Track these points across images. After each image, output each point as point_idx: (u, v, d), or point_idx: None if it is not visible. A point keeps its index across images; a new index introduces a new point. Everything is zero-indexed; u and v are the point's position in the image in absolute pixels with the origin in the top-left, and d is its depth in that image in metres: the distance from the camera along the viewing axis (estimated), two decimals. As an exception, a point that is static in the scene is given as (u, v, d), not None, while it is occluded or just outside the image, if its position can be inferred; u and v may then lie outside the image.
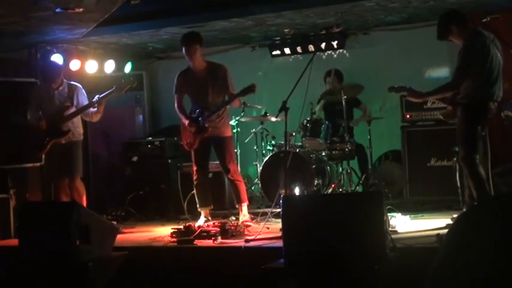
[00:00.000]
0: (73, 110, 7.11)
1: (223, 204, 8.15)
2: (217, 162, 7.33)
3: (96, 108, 7.13)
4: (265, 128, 8.43)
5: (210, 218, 6.98)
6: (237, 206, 7.06)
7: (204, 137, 6.81)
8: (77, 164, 7.16)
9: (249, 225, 6.44)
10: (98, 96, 7.05)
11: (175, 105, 7.00)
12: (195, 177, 7.03)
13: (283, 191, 6.10)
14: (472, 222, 3.05)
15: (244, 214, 6.89)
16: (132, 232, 7.13)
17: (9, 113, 7.71)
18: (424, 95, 6.18)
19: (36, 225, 5.63)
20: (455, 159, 6.72)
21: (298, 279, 4.62)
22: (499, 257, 2.82)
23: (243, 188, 6.99)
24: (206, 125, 6.77)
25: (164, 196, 8.53)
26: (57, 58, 8.13)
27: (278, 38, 9.29)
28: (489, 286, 2.81)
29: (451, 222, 5.83)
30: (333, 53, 9.31)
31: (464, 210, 5.99)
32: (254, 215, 7.06)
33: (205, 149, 6.97)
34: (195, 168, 7.01)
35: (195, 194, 7.05)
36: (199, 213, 7.07)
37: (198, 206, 7.04)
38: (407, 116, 7.64)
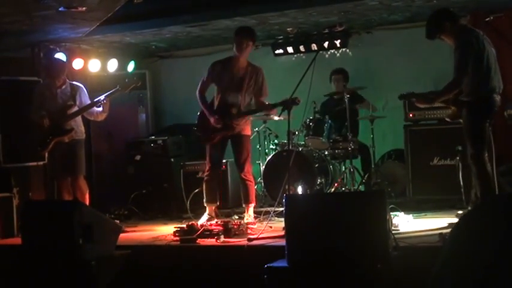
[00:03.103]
0: (76, 109, 7.12)
1: (227, 203, 8.15)
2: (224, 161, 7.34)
3: (101, 108, 7.15)
4: (268, 127, 8.42)
5: (214, 216, 6.95)
6: (243, 205, 7.05)
7: (225, 135, 6.81)
8: (80, 163, 7.18)
9: (252, 228, 6.42)
10: (103, 95, 7.06)
11: (199, 90, 6.89)
12: (207, 173, 6.97)
13: (286, 190, 6.10)
14: (476, 221, 3.04)
15: (250, 215, 6.88)
16: (135, 231, 7.13)
17: (12, 112, 7.73)
18: (431, 100, 6.15)
19: (39, 224, 5.63)
20: (458, 158, 6.72)
21: (301, 278, 4.62)
22: (504, 257, 2.81)
23: (253, 189, 6.97)
24: (234, 125, 6.78)
25: (167, 195, 8.53)
26: (60, 57, 8.14)
27: (281, 37, 9.28)
28: (493, 286, 2.80)
29: (455, 219, 5.83)
30: (335, 52, 9.29)
31: (469, 208, 5.99)
32: (257, 214, 7.04)
33: (222, 146, 6.94)
34: (209, 164, 6.94)
35: (204, 189, 6.99)
36: (203, 212, 7.06)
37: (204, 201, 6.99)
38: (411, 115, 7.64)
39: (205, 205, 7.04)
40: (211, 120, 6.80)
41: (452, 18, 5.95)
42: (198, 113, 7.04)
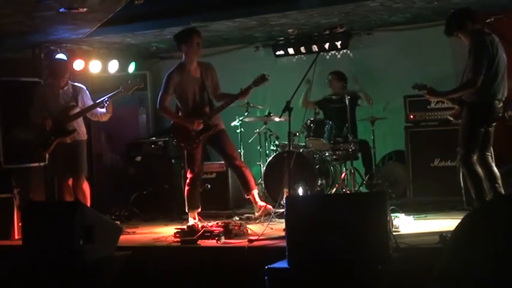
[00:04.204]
0: (78, 110, 7.12)
1: (227, 205, 8.15)
2: (220, 162, 7.29)
3: (104, 109, 7.15)
4: (268, 128, 8.42)
5: (198, 220, 6.88)
6: (247, 196, 6.98)
7: (207, 135, 6.79)
8: (82, 164, 7.18)
9: (270, 209, 6.39)
10: (106, 97, 7.07)
11: (163, 105, 6.79)
12: (189, 181, 6.87)
13: (287, 191, 6.09)
14: (477, 222, 3.04)
15: (258, 200, 6.88)
16: (135, 232, 7.12)
17: (13, 113, 7.73)
18: (443, 95, 6.15)
19: (40, 225, 5.63)
20: (458, 159, 6.71)
21: (302, 279, 4.62)
22: (505, 258, 2.81)
23: (250, 173, 6.97)
24: (213, 123, 6.77)
25: (167, 196, 8.52)
26: (61, 57, 8.15)
27: (282, 38, 9.29)
28: (494, 286, 2.80)
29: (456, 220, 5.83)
30: (336, 53, 9.31)
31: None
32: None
33: (203, 150, 6.95)
34: (192, 172, 6.85)
35: (186, 197, 6.91)
36: (202, 213, 7.04)
37: (187, 208, 6.93)
38: (411, 117, 7.65)
39: (187, 211, 6.97)
40: (193, 124, 6.71)
41: (473, 18, 5.98)
42: (171, 127, 6.97)
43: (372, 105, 8.28)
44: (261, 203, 6.88)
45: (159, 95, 6.85)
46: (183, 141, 6.85)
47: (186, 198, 6.93)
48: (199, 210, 6.99)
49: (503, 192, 5.83)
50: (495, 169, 5.90)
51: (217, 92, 6.94)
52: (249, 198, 7.01)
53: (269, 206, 6.57)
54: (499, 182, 5.85)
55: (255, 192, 6.93)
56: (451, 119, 6.26)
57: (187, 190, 6.91)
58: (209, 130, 6.79)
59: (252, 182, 6.92)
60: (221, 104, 6.87)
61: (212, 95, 6.88)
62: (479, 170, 5.82)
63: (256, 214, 6.90)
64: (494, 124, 5.97)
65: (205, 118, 6.78)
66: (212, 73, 6.91)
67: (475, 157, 5.83)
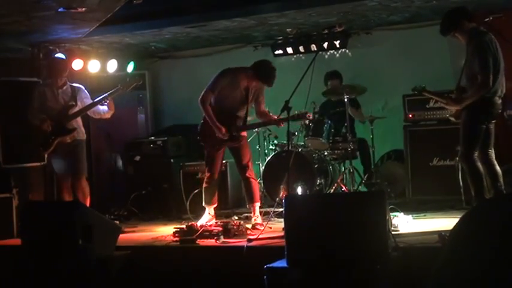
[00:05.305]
0: (77, 109, 7.12)
1: (227, 204, 8.15)
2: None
3: (106, 107, 7.15)
4: (267, 128, 8.41)
5: (213, 215, 6.94)
6: (248, 206, 7.01)
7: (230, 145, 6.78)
8: (82, 164, 7.18)
9: (259, 229, 6.35)
10: (105, 95, 7.07)
11: (207, 101, 6.69)
12: (206, 179, 6.91)
13: (286, 190, 6.09)
14: (476, 222, 3.05)
15: (257, 215, 6.86)
16: (134, 231, 7.13)
17: (12, 113, 7.73)
18: (461, 102, 6.01)
19: (39, 225, 5.63)
20: (457, 158, 6.72)
21: (300, 279, 4.62)
22: (503, 257, 2.81)
23: (257, 187, 6.97)
24: (240, 137, 6.74)
25: (166, 195, 8.53)
26: (60, 56, 8.14)
27: (280, 38, 9.28)
28: (493, 286, 2.80)
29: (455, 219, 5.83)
30: (335, 53, 9.30)
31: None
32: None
33: (223, 153, 6.93)
34: (209, 171, 6.87)
35: (204, 192, 6.95)
36: (202, 212, 7.05)
37: (204, 202, 6.98)
38: (410, 116, 7.65)
39: (204, 205, 7.03)
40: (221, 132, 6.67)
41: (469, 16, 5.95)
42: (202, 123, 6.92)
43: (363, 124, 8.32)
44: (257, 219, 6.82)
45: (205, 89, 6.73)
46: (206, 142, 6.85)
47: (203, 193, 6.97)
48: (216, 205, 7.03)
49: (504, 191, 5.82)
50: (497, 167, 5.88)
51: (259, 108, 6.87)
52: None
53: (259, 228, 6.49)
54: (501, 180, 5.83)
55: (257, 205, 6.91)
56: (452, 119, 6.24)
57: (204, 186, 6.95)
58: (234, 141, 6.75)
59: (256, 196, 6.90)
60: (255, 123, 6.91)
61: (255, 109, 6.88)
62: (480, 167, 5.81)
63: (251, 221, 6.86)
64: (494, 121, 5.96)
65: (233, 129, 6.73)
66: (261, 89, 6.83)
67: (476, 154, 5.82)
